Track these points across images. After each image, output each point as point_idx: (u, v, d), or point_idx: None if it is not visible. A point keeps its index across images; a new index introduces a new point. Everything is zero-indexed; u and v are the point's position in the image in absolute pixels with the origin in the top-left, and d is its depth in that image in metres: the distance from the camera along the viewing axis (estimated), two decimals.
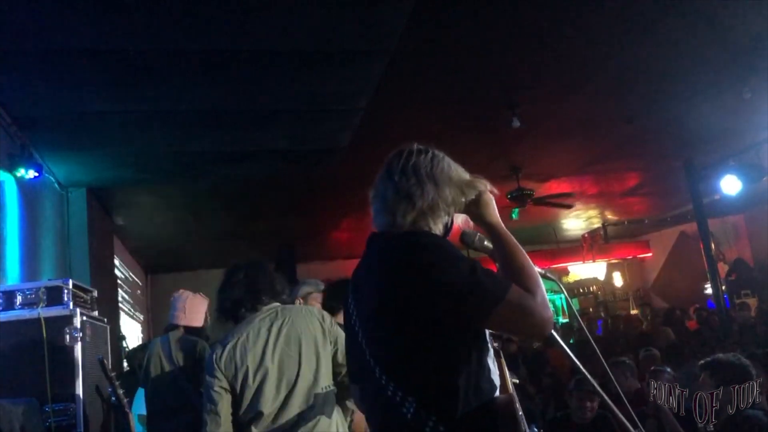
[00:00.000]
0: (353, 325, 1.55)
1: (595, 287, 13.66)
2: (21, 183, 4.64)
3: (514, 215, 8.20)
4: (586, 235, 12.34)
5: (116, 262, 7.84)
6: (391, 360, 1.45)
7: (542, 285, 1.47)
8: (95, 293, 3.93)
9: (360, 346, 1.50)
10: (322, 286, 3.46)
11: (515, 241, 1.53)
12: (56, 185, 5.83)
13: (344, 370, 2.54)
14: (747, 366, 3.18)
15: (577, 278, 13.35)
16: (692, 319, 9.55)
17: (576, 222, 11.73)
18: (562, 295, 1.58)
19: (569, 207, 8.92)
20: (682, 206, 10.28)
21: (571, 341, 8.13)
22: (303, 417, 2.41)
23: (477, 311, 1.39)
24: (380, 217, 1.55)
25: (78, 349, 3.27)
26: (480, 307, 1.38)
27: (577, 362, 1.44)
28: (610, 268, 13.44)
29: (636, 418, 1.66)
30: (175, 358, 3.58)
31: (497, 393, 1.45)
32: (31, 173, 4.54)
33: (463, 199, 1.56)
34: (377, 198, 1.57)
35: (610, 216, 11.52)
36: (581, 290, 13.51)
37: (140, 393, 4.53)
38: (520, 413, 1.43)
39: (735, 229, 11.64)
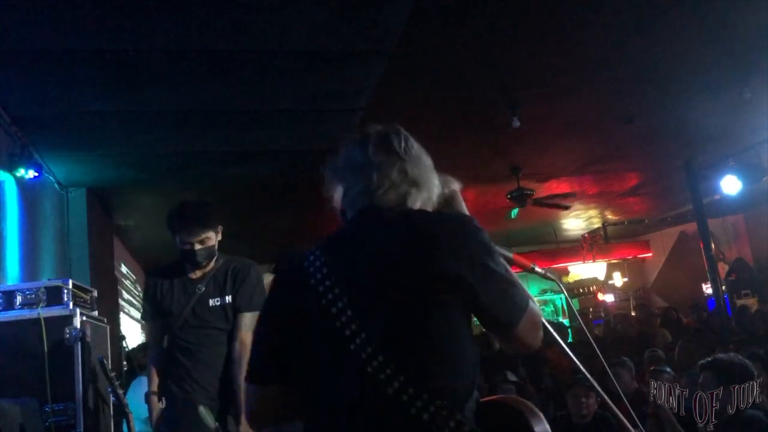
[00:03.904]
0: (326, 308, 1.29)
1: (595, 287, 13.67)
2: (21, 183, 4.64)
3: (513, 215, 8.20)
4: (586, 235, 12.34)
5: (116, 262, 7.84)
6: (411, 353, 1.25)
7: None
8: (95, 293, 3.93)
9: (340, 334, 1.26)
10: None
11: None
12: (56, 185, 5.84)
13: None
14: (747, 366, 3.18)
15: (577, 278, 13.35)
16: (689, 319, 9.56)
17: (576, 222, 11.73)
18: (562, 295, 1.55)
19: (566, 208, 8.93)
20: (682, 206, 10.27)
21: (570, 340, 8.14)
22: None
23: (511, 312, 1.32)
24: (385, 195, 1.39)
25: (78, 349, 3.27)
26: (515, 308, 1.32)
27: (577, 361, 1.44)
28: (610, 268, 13.44)
29: (636, 418, 1.66)
30: None
31: None
32: (31, 173, 4.54)
33: (445, 192, 1.51)
34: (369, 170, 1.40)
35: (610, 216, 11.52)
36: (581, 290, 13.51)
37: (134, 386, 4.54)
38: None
39: (735, 229, 11.64)
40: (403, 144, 1.44)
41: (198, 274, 3.10)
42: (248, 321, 3.02)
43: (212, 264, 3.11)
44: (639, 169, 8.31)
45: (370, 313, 1.27)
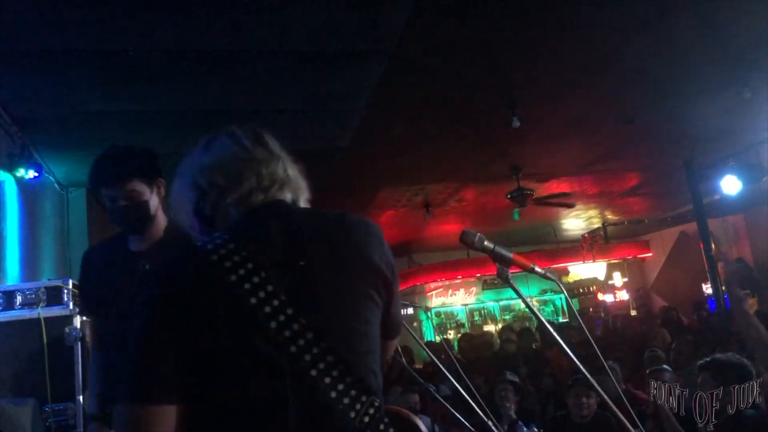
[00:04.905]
0: (256, 307, 1.13)
1: (595, 287, 13.70)
2: (21, 183, 4.64)
3: (515, 216, 8.21)
4: (586, 235, 12.35)
5: None
6: (355, 353, 1.20)
7: None
8: None
9: (277, 334, 1.13)
10: None
11: None
12: (56, 185, 5.84)
13: None
14: (747, 366, 3.18)
15: (577, 278, 13.36)
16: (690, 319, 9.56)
17: (576, 222, 11.74)
18: (562, 295, 1.54)
19: (571, 206, 8.93)
20: (682, 206, 10.29)
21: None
22: None
23: (400, 323, 1.43)
24: (281, 192, 1.33)
25: (78, 349, 3.27)
26: (401, 320, 1.44)
27: (577, 361, 1.44)
28: (610, 268, 13.45)
29: (636, 418, 1.66)
30: None
31: None
32: (31, 173, 4.55)
33: None
34: (256, 166, 1.32)
35: (610, 216, 11.54)
36: (581, 290, 13.53)
37: None
38: None
39: (735, 229, 11.65)
40: (275, 142, 1.39)
41: (143, 246, 2.36)
42: None
43: (160, 231, 2.38)
44: (639, 169, 8.31)
45: (314, 311, 1.16)
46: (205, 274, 1.14)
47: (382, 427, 1.18)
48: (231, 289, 1.12)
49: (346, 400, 1.14)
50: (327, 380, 1.13)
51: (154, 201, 2.33)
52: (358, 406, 1.15)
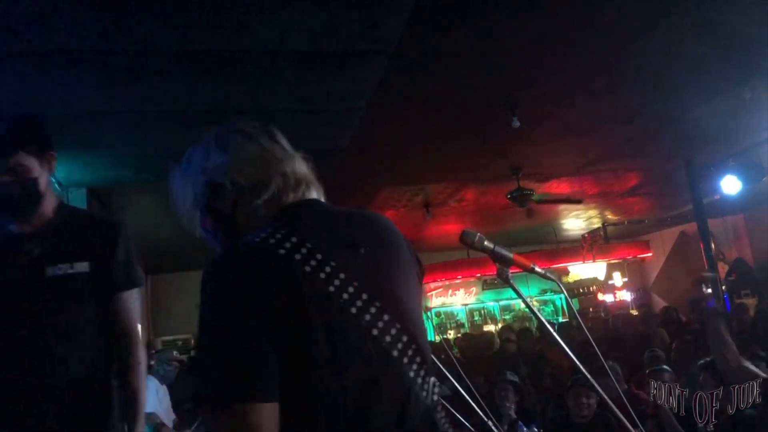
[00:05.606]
0: (335, 295, 1.14)
1: (595, 287, 13.70)
2: None
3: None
4: (586, 235, 12.35)
5: None
6: (422, 333, 1.25)
7: None
8: None
9: (357, 319, 1.14)
10: None
11: None
12: (56, 185, 5.83)
13: None
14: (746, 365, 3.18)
15: (577, 278, 13.36)
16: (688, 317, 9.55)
17: (576, 222, 11.74)
18: (562, 295, 1.54)
19: (579, 202, 8.92)
20: (682, 206, 10.28)
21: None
22: None
23: None
24: (308, 190, 1.37)
25: None
26: None
27: (576, 361, 1.44)
28: (610, 268, 13.45)
29: (636, 418, 1.66)
30: None
31: None
32: None
33: None
34: (280, 165, 1.34)
35: (610, 216, 11.54)
36: (581, 290, 13.53)
37: (149, 389, 4.53)
38: None
39: (735, 229, 11.65)
40: (284, 140, 1.39)
41: (28, 227, 2.01)
42: (132, 305, 2.03)
43: (50, 212, 2.08)
44: (639, 169, 8.31)
45: (384, 295, 1.18)
46: (282, 268, 1.11)
47: (441, 409, 1.22)
48: (310, 279, 1.11)
49: (419, 381, 1.17)
50: (405, 360, 1.16)
51: (44, 178, 2.06)
52: (426, 387, 1.18)
